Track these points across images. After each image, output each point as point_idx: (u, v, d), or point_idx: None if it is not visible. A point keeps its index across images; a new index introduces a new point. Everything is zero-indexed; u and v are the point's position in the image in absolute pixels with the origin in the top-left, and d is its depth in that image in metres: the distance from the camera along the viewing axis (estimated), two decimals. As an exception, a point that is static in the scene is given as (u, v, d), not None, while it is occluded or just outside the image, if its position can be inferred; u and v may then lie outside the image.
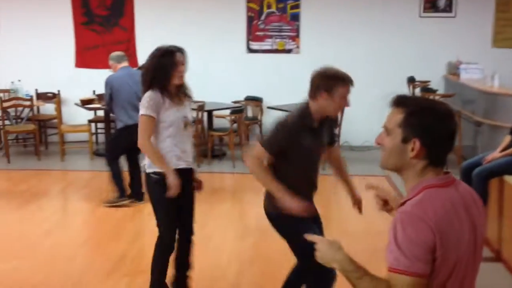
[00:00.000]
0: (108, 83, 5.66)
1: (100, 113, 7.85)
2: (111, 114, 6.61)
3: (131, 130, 5.60)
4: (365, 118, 7.96)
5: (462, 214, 1.66)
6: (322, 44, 8.13)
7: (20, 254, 4.53)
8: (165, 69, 3.31)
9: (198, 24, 8.17)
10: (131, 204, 5.69)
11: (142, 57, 8.13)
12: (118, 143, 5.75)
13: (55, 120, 8.01)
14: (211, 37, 8.23)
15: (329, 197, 5.87)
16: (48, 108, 8.19)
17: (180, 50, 3.37)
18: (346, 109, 7.10)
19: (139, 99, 5.50)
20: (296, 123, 2.88)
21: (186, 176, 3.46)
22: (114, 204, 5.66)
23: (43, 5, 8.15)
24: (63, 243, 4.83)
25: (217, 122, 7.69)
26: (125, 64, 5.79)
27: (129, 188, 5.84)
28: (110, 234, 5.08)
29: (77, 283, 4.04)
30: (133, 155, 5.78)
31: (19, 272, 4.21)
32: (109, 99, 5.69)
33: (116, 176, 5.73)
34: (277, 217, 2.97)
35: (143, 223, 5.35)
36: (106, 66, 6.97)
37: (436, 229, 1.59)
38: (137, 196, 5.77)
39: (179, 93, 3.44)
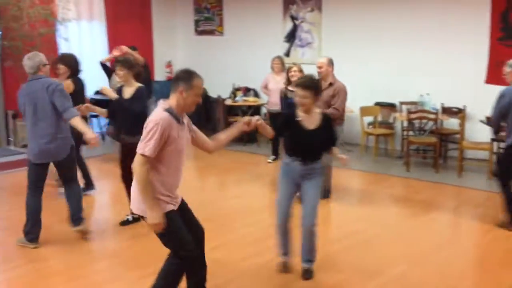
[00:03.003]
0: (507, 95, 5.19)
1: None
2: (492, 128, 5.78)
3: None
4: None
5: None
6: None
7: (410, 260, 4.72)
8: None
9: None
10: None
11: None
12: (509, 164, 5.33)
13: (457, 135, 8.02)
14: None
15: None
16: (451, 123, 8.25)
17: None
18: None
19: None
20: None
21: None
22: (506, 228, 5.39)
23: (459, 25, 8.22)
24: (452, 259, 4.78)
25: None
26: None
27: None
28: (501, 261, 4.76)
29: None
30: None
31: (408, 277, 4.38)
32: (499, 114, 5.24)
33: (509, 201, 5.37)
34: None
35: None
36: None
37: None
38: None
39: None
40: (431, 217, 5.94)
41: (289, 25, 10.11)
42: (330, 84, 6.09)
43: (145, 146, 3.21)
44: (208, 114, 10.41)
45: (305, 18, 9.89)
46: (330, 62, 6.14)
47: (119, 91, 5.40)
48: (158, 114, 3.26)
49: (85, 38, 9.98)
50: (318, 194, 4.21)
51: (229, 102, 9.97)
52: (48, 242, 5.01)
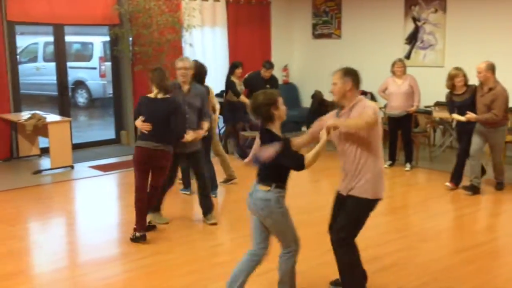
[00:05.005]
0: None
1: None
2: None
3: None
4: None
5: None
6: None
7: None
8: None
9: None
10: None
11: None
12: None
13: None
14: None
15: None
16: None
17: None
18: None
19: None
20: None
21: None
22: None
23: None
24: None
25: None
26: None
27: None
28: None
29: None
30: None
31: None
32: None
33: None
34: None
35: None
36: None
37: None
38: None
39: None
40: None
41: (410, 27, 9.79)
42: (490, 89, 6.27)
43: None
44: (324, 117, 10.37)
45: (428, 19, 9.51)
46: (489, 67, 6.30)
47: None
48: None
49: (208, 44, 10.41)
50: None
51: (345, 105, 9.86)
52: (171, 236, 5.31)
